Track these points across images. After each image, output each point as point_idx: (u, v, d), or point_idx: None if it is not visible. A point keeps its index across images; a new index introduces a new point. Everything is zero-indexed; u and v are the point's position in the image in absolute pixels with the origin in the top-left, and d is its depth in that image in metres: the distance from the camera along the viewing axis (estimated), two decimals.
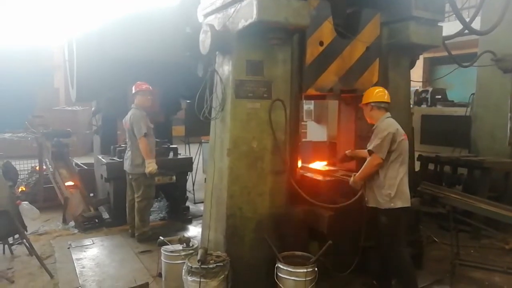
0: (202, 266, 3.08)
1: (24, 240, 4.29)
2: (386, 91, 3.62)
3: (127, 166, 5.01)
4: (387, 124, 3.47)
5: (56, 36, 14.69)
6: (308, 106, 8.17)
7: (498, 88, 5.90)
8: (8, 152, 8.46)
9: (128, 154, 5.02)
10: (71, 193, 5.85)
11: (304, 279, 3.13)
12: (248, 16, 3.11)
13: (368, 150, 3.46)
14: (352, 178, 3.57)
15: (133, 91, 5.01)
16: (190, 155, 6.53)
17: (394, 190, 3.38)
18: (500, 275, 3.98)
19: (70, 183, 6.18)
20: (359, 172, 3.53)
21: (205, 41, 3.49)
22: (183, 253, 3.49)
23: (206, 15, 3.85)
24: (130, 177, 5.03)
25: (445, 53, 5.27)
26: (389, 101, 3.58)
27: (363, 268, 3.85)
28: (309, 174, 4.28)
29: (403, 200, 3.42)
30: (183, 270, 3.21)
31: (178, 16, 5.46)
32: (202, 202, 5.24)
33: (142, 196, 4.95)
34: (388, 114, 3.57)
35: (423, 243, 4.39)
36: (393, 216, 3.42)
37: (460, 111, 6.78)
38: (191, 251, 3.48)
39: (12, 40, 15.43)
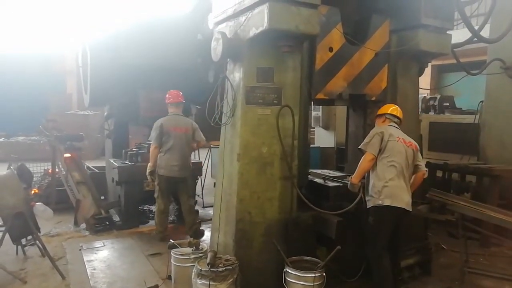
0: (211, 269, 3.12)
1: (37, 241, 4.37)
2: (396, 108, 3.77)
3: (175, 171, 4.93)
4: (378, 128, 3.63)
5: (69, 42, 14.96)
6: (316, 112, 8.20)
7: (507, 95, 5.88)
8: (22, 155, 8.60)
9: (177, 160, 4.93)
10: (83, 196, 5.95)
11: (312, 284, 3.15)
12: (259, 24, 3.18)
13: (359, 149, 3.56)
14: (349, 182, 3.59)
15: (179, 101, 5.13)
16: (199, 159, 6.60)
17: (383, 188, 3.38)
18: (510, 284, 3.95)
19: (68, 155, 6.36)
20: (355, 172, 3.54)
21: (216, 49, 3.56)
22: (192, 256, 3.54)
23: (218, 23, 3.92)
24: (174, 181, 5.02)
25: (454, 61, 5.26)
26: (395, 114, 3.70)
27: (371, 273, 3.85)
28: (317, 180, 4.32)
29: (394, 200, 3.37)
30: (193, 273, 3.25)
31: (190, 23, 5.57)
32: (211, 206, 5.31)
33: (190, 195, 5.31)
34: (391, 124, 3.67)
35: (432, 250, 4.37)
36: (378, 214, 3.42)
37: (468, 119, 6.74)
38: (200, 254, 3.52)
39: (25, 46, 15.74)
